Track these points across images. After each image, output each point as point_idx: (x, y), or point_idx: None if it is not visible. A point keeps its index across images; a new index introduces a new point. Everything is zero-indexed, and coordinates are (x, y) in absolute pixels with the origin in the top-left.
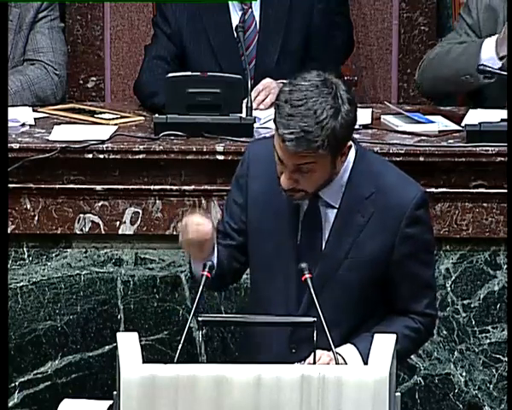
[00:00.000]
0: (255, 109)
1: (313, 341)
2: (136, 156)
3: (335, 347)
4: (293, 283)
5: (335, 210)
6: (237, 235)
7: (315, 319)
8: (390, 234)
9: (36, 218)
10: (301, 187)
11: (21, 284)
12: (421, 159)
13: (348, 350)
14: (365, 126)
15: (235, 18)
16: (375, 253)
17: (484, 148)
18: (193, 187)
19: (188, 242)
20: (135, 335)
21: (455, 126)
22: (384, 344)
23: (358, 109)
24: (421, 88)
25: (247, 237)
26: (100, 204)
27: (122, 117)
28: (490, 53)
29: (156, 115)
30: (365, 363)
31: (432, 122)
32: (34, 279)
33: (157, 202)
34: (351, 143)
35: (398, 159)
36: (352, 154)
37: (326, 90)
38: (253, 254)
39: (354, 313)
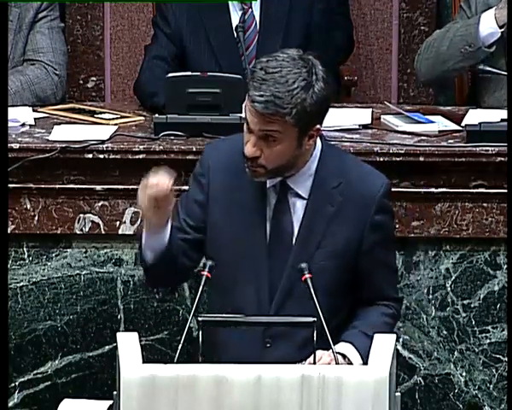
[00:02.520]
0: None
1: (313, 340)
2: (136, 156)
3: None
4: (264, 280)
5: (304, 201)
6: (193, 231)
7: (315, 319)
8: (360, 222)
9: (36, 218)
10: (263, 160)
11: (21, 284)
12: (421, 159)
13: (348, 349)
14: (365, 126)
15: (235, 18)
16: (346, 242)
17: (484, 148)
18: None
19: (147, 198)
20: (135, 335)
21: (455, 126)
22: (384, 344)
23: (358, 109)
24: (419, 73)
25: (208, 237)
26: (100, 204)
27: (122, 117)
28: (489, 23)
29: (156, 115)
30: (365, 361)
31: (432, 122)
32: (34, 279)
33: None
34: (319, 126)
35: (398, 159)
36: (318, 145)
37: (301, 63)
38: (217, 256)
39: (327, 305)
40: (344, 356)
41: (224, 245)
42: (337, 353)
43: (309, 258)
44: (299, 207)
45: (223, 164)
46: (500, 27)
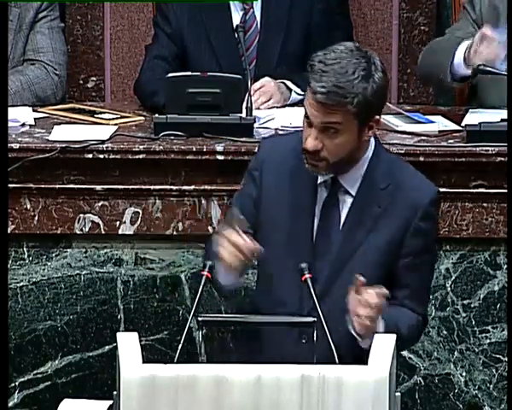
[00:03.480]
0: (255, 109)
1: (315, 340)
2: (136, 156)
3: (343, 339)
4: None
5: (351, 198)
6: (248, 229)
7: (315, 319)
8: (404, 226)
9: (36, 218)
10: (325, 153)
11: (21, 284)
12: (421, 159)
13: None
14: None
15: (236, 18)
16: (388, 243)
17: (484, 148)
18: (193, 187)
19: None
20: (135, 335)
21: (455, 126)
22: (384, 344)
23: None
24: (419, 76)
25: (258, 231)
26: (100, 204)
27: (122, 117)
28: (461, 57)
29: (156, 115)
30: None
31: (432, 122)
32: (34, 279)
33: (157, 201)
34: (378, 117)
35: None
36: (372, 145)
37: (360, 54)
38: (266, 249)
39: None
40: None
41: (272, 239)
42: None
43: (351, 254)
44: (347, 205)
45: (276, 160)
46: (468, 66)
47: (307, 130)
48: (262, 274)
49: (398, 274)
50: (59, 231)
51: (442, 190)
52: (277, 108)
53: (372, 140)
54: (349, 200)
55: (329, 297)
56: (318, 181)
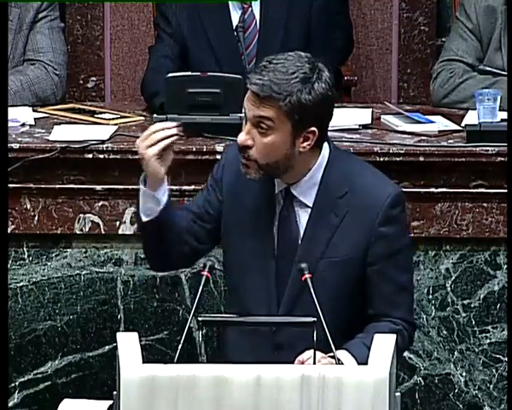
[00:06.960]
0: None
1: (313, 341)
2: (136, 156)
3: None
4: (272, 288)
5: (309, 209)
6: (208, 220)
7: (315, 319)
8: (365, 233)
9: (36, 218)
10: (254, 153)
11: (21, 284)
12: (421, 159)
13: (342, 354)
14: (365, 126)
15: (235, 17)
16: (351, 252)
17: (484, 148)
18: (193, 187)
19: (149, 142)
20: (135, 335)
21: (455, 126)
22: (384, 344)
23: (358, 109)
24: (434, 100)
25: (222, 240)
26: (100, 204)
27: (122, 117)
28: None
29: (156, 115)
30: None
31: (432, 122)
32: (34, 279)
33: None
34: (315, 129)
35: (398, 159)
36: (325, 153)
37: (306, 60)
38: (229, 260)
39: (335, 315)
40: (338, 360)
41: (233, 249)
42: (330, 357)
43: (313, 266)
44: (304, 216)
45: (237, 168)
46: None
47: (243, 126)
48: (230, 286)
49: (368, 282)
50: (59, 231)
51: (442, 190)
52: None
53: (326, 148)
54: (306, 211)
55: (295, 311)
56: (276, 191)
